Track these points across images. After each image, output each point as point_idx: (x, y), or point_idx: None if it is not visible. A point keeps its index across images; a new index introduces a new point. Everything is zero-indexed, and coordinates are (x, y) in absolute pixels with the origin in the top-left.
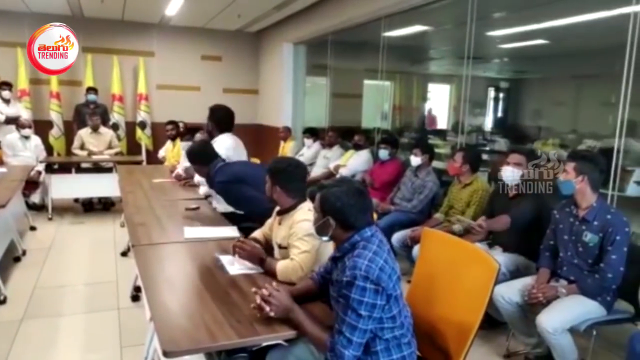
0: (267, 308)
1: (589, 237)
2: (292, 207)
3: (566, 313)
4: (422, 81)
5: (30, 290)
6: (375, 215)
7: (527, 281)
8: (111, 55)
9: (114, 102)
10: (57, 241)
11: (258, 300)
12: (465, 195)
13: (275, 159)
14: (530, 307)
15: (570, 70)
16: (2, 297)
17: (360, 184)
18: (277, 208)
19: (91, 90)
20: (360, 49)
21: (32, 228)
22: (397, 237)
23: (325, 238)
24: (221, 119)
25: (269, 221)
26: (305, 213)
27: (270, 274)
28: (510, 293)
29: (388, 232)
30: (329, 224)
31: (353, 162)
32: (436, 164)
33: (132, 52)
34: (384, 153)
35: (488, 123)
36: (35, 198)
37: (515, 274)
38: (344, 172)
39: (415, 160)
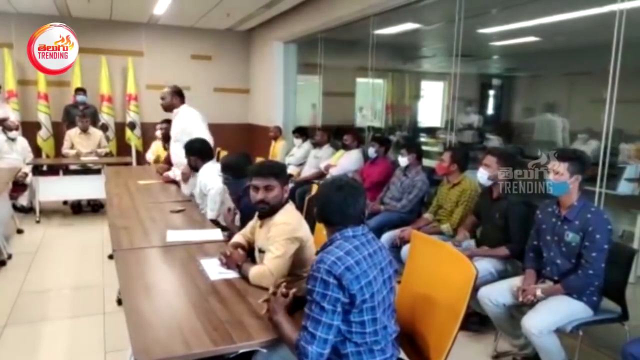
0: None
1: (571, 236)
2: (273, 211)
3: (551, 314)
4: (415, 79)
5: (14, 295)
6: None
7: (513, 282)
8: (99, 55)
9: (102, 103)
10: (45, 244)
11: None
12: (454, 195)
13: (258, 162)
14: (517, 308)
15: (562, 68)
16: None
17: (358, 184)
18: (257, 212)
19: (80, 91)
20: (350, 47)
21: (19, 231)
22: (386, 237)
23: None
24: (201, 150)
25: (250, 224)
26: (284, 216)
27: (245, 279)
28: (497, 294)
29: (378, 232)
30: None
31: (343, 162)
32: (429, 162)
33: (121, 52)
34: (371, 151)
35: (480, 121)
36: (23, 200)
37: (504, 274)
38: (334, 171)
39: (403, 160)
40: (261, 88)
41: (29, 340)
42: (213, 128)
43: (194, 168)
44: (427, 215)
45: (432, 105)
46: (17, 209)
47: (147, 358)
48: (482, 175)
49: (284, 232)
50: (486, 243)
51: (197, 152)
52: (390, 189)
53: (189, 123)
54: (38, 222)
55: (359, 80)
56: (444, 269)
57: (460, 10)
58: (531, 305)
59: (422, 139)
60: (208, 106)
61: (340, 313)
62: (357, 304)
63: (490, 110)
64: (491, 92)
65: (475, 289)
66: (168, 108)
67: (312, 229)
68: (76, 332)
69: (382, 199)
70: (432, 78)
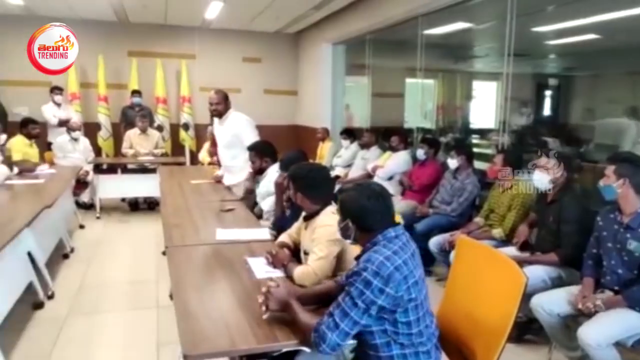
0: (263, 307)
1: (634, 245)
2: (317, 213)
3: (611, 326)
4: (466, 79)
5: (76, 287)
6: (398, 219)
7: (570, 291)
8: (155, 59)
9: (158, 105)
10: (104, 239)
11: (260, 299)
12: (506, 199)
13: (297, 165)
14: (573, 319)
15: (625, 67)
16: (50, 293)
17: (380, 186)
18: (304, 213)
19: (136, 93)
20: (399, 48)
21: (81, 226)
22: (435, 241)
23: (349, 241)
24: (273, 152)
25: (296, 224)
26: (327, 218)
27: (291, 278)
28: (551, 303)
29: (426, 236)
30: (349, 227)
31: (391, 163)
32: (481, 165)
33: (175, 55)
34: (420, 153)
35: (536, 122)
36: (85, 197)
37: (558, 282)
38: (381, 173)
39: (453, 162)
40: (309, 89)
41: (88, 330)
42: (262, 129)
43: (261, 170)
44: (478, 220)
45: (484, 106)
46: (80, 205)
47: (194, 352)
48: (540, 179)
49: (327, 233)
50: (540, 249)
51: (270, 153)
52: (439, 191)
53: (241, 129)
54: (98, 218)
55: (408, 80)
56: (492, 274)
57: (512, 9)
58: (589, 315)
59: (474, 141)
60: (257, 108)
61: (371, 315)
62: (403, 304)
63: (546, 111)
64: (547, 93)
65: (528, 297)
66: (220, 114)
67: None
68: (131, 324)
69: (431, 202)
70: (484, 78)
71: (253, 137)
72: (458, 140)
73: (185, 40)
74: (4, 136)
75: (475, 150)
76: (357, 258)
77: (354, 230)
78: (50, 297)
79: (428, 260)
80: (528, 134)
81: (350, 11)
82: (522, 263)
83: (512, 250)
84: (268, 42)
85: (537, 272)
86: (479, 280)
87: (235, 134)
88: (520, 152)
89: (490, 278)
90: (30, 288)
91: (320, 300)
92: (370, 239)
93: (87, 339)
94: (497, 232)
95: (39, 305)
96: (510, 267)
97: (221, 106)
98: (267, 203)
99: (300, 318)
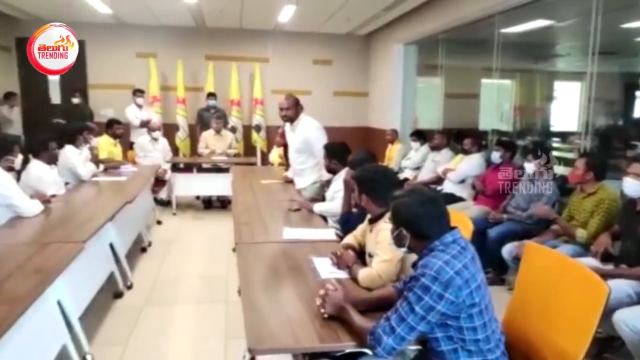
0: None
1: None
2: (381, 215)
3: None
4: (546, 79)
5: (152, 279)
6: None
7: None
8: (230, 62)
9: (232, 107)
10: (179, 235)
11: (318, 301)
12: (588, 205)
13: (363, 167)
14: None
15: None
16: (129, 284)
17: (433, 191)
18: (369, 215)
19: (211, 95)
20: (473, 47)
21: (159, 222)
22: (508, 248)
23: (403, 249)
24: (344, 154)
25: (361, 226)
26: None
27: (355, 280)
28: (635, 319)
29: (499, 242)
30: (403, 235)
31: (463, 166)
32: (561, 169)
33: (249, 58)
34: (495, 156)
35: (624, 125)
36: (163, 194)
37: None
38: (452, 176)
39: (529, 166)
40: (380, 91)
41: (162, 320)
42: (331, 131)
43: (333, 171)
44: (555, 227)
45: (565, 108)
46: (158, 202)
47: (258, 347)
48: (632, 186)
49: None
50: (625, 262)
51: (339, 156)
52: (515, 197)
53: (310, 136)
54: (174, 214)
55: (483, 81)
56: (567, 284)
57: (597, 5)
58: None
59: (554, 144)
60: (327, 109)
61: (430, 322)
62: (465, 310)
63: (636, 113)
64: (638, 93)
65: (610, 312)
66: (291, 119)
67: None
68: (201, 317)
69: (505, 208)
70: (565, 78)
71: (322, 143)
72: (537, 144)
73: (259, 44)
74: (94, 138)
75: (555, 153)
76: (414, 265)
77: (409, 238)
78: (129, 287)
79: (501, 268)
80: (615, 137)
81: (422, 11)
82: (604, 276)
83: (591, 261)
84: (339, 44)
85: (621, 286)
86: (551, 290)
87: (305, 140)
88: (605, 156)
89: (564, 288)
90: (111, 278)
91: (380, 305)
92: (426, 245)
93: (160, 328)
94: (581, 233)
95: (118, 295)
96: (589, 277)
97: (291, 111)
98: (327, 205)
99: (356, 322)
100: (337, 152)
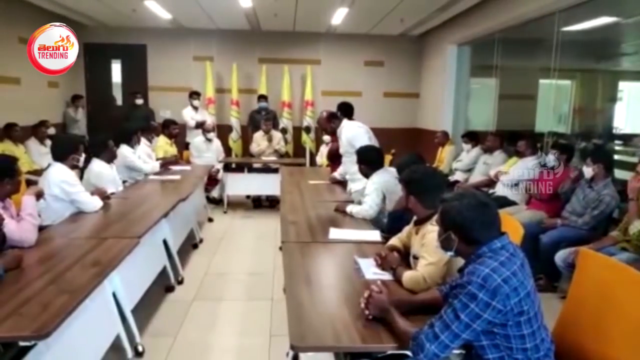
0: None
1: None
2: (428, 217)
3: None
4: (610, 80)
5: (202, 274)
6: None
7: None
8: (283, 65)
9: (283, 109)
10: (229, 233)
11: (362, 303)
12: None
13: (410, 169)
14: None
15: None
16: (180, 278)
17: (485, 195)
18: (415, 217)
19: (262, 97)
20: (530, 47)
21: (210, 219)
22: (562, 255)
23: (450, 253)
24: (369, 160)
25: (407, 228)
26: None
27: (399, 282)
28: None
29: (552, 248)
30: (451, 238)
31: (517, 169)
32: (622, 174)
33: (301, 60)
34: (551, 159)
35: None
36: (215, 193)
37: None
38: (505, 179)
39: (587, 170)
40: (431, 92)
41: (210, 315)
42: (381, 132)
43: (366, 175)
44: (614, 234)
45: (631, 109)
46: (210, 200)
47: (301, 344)
48: None
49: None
50: None
51: (367, 160)
52: (571, 201)
53: (352, 136)
54: (225, 212)
55: (541, 81)
56: (626, 296)
57: None
58: None
59: (616, 147)
60: (377, 111)
61: (475, 330)
62: (513, 318)
63: None
64: None
65: None
66: (333, 131)
67: None
68: (247, 313)
69: (560, 213)
70: (632, 78)
71: (364, 141)
72: (596, 147)
73: (311, 46)
74: (155, 137)
75: (616, 157)
76: (460, 270)
77: (457, 242)
78: (180, 282)
79: (553, 275)
80: None
81: (477, 10)
82: None
83: None
84: (391, 45)
85: None
86: (607, 300)
87: (347, 141)
88: None
89: (622, 299)
90: (163, 272)
91: (425, 309)
92: (473, 251)
93: (208, 322)
94: None
95: (170, 289)
96: None
97: (329, 126)
98: (357, 207)
99: (399, 326)
100: (367, 156)
